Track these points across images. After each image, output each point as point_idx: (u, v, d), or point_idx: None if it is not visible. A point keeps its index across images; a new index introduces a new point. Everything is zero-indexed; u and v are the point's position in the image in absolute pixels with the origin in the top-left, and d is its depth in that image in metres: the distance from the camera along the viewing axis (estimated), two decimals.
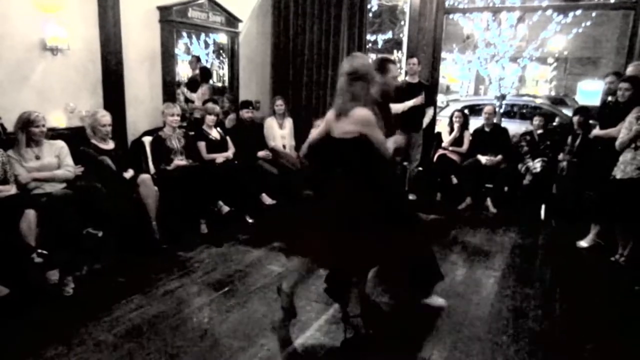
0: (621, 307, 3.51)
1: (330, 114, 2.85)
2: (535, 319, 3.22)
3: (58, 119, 4.30)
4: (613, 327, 3.20)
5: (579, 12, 8.43)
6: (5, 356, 2.66)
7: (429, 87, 6.08)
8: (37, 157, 3.74)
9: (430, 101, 6.08)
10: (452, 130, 6.32)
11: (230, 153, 5.36)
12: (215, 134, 5.33)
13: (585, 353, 2.85)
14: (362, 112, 2.65)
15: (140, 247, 4.14)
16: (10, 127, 3.75)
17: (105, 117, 4.23)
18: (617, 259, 4.25)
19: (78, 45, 4.40)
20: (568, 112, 9.45)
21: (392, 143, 2.77)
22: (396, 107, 5.77)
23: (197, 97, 6.10)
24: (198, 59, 6.26)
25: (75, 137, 4.21)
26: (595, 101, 9.08)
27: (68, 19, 4.24)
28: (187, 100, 6.05)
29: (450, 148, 6.26)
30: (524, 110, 10.83)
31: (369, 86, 2.72)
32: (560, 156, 5.49)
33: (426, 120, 6.06)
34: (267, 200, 5.50)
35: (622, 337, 3.10)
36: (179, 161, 4.75)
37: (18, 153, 3.66)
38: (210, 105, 5.36)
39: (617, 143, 4.18)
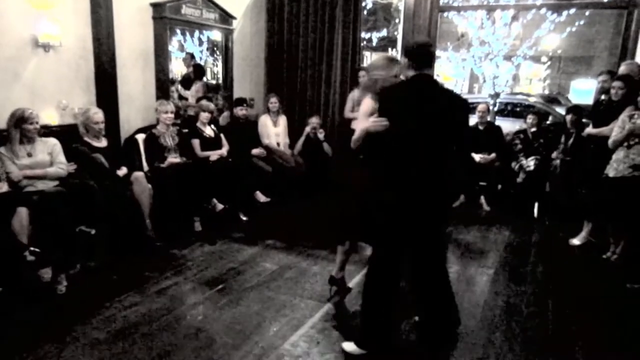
0: (613, 304, 3.53)
1: None
2: (528, 316, 3.24)
3: (50, 117, 4.27)
4: (605, 324, 3.21)
5: (572, 11, 8.45)
6: None
7: None
8: (30, 155, 3.71)
9: None
10: None
11: (224, 150, 5.35)
12: (209, 131, 5.31)
13: (578, 350, 2.87)
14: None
15: (133, 245, 4.13)
16: (1, 124, 3.72)
17: (98, 115, 4.21)
18: (609, 257, 4.28)
19: (70, 42, 4.37)
20: (561, 110, 9.46)
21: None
22: None
23: (191, 94, 6.09)
24: (192, 56, 6.24)
25: (67, 135, 4.18)
26: (588, 100, 9.11)
27: (60, 16, 4.21)
28: (181, 98, 6.03)
29: None
30: (518, 109, 10.85)
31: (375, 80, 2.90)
32: (554, 154, 5.51)
33: None
34: (261, 197, 5.50)
35: (615, 334, 3.12)
36: (173, 159, 4.73)
37: (10, 150, 3.64)
38: (204, 102, 5.36)
39: (610, 141, 4.20)
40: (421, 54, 2.65)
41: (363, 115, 2.83)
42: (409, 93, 2.65)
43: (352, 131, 2.80)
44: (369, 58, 17.88)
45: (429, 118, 2.56)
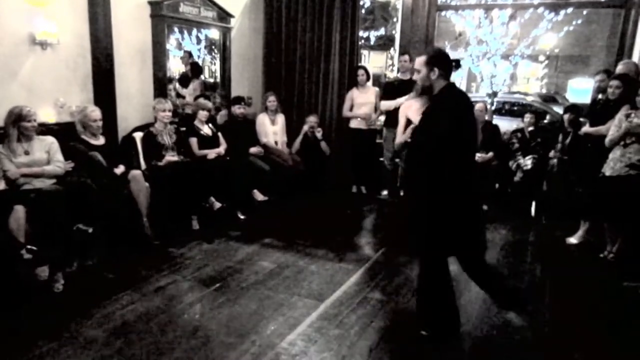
0: (609, 302, 3.54)
1: None
2: (524, 315, 3.23)
3: (48, 114, 4.26)
4: (601, 323, 3.23)
5: (570, 10, 8.46)
6: None
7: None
8: (27, 153, 3.70)
9: None
10: None
11: (222, 149, 5.34)
12: (206, 129, 5.31)
13: (574, 348, 2.88)
14: None
15: (131, 243, 4.12)
16: None
17: (95, 113, 4.20)
18: (606, 256, 4.30)
19: (68, 40, 4.36)
20: (559, 109, 9.49)
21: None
22: (388, 104, 5.80)
23: (188, 92, 6.08)
24: (190, 54, 6.23)
25: (65, 133, 4.17)
26: (585, 99, 9.13)
27: (58, 13, 4.20)
28: (179, 96, 6.03)
29: None
30: (515, 108, 10.87)
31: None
32: (551, 153, 5.52)
33: None
34: (259, 196, 5.50)
35: (610, 332, 3.13)
36: (170, 157, 4.73)
37: (8, 148, 3.63)
38: (202, 100, 5.34)
39: (607, 140, 4.21)
40: (449, 63, 2.76)
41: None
42: (459, 102, 2.78)
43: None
44: (367, 57, 17.88)
45: (472, 125, 2.85)
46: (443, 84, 2.75)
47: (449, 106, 2.73)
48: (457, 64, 2.84)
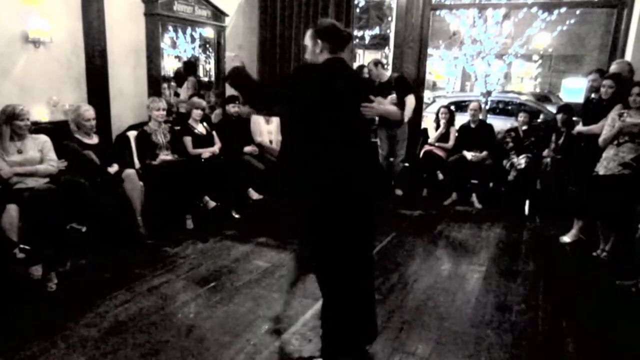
0: (603, 301, 3.56)
1: None
2: (518, 313, 3.26)
3: (41, 113, 4.24)
4: (595, 321, 3.25)
5: (563, 9, 8.50)
6: None
7: (398, 80, 5.98)
8: (20, 151, 3.68)
9: (408, 90, 5.94)
10: (438, 126, 6.35)
11: (216, 148, 5.33)
12: (201, 128, 5.29)
13: (568, 346, 2.90)
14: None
15: (125, 242, 4.11)
16: None
17: (89, 112, 4.18)
18: (599, 254, 4.32)
19: (61, 38, 4.34)
20: (552, 108, 9.53)
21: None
22: (386, 102, 5.77)
23: (182, 91, 6.06)
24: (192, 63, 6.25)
25: (58, 132, 4.15)
26: (578, 98, 9.19)
27: (51, 11, 4.18)
28: (177, 94, 6.01)
29: (437, 144, 6.29)
30: (509, 107, 10.92)
31: None
32: (545, 152, 5.55)
33: (409, 109, 5.79)
34: (253, 195, 5.49)
35: (604, 330, 3.15)
36: (165, 156, 4.72)
37: (1, 147, 3.60)
38: (196, 99, 5.33)
39: (600, 140, 4.24)
40: (337, 36, 2.51)
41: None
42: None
43: None
44: (362, 56, 17.90)
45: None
46: (327, 56, 2.50)
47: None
48: (348, 35, 2.56)
